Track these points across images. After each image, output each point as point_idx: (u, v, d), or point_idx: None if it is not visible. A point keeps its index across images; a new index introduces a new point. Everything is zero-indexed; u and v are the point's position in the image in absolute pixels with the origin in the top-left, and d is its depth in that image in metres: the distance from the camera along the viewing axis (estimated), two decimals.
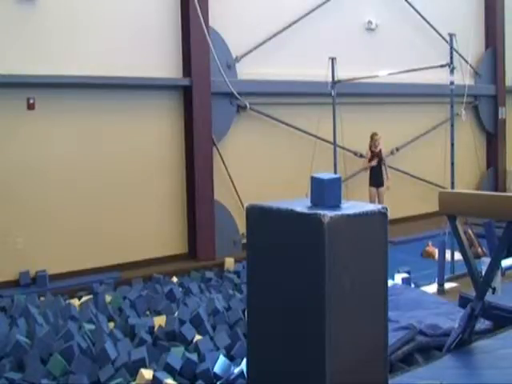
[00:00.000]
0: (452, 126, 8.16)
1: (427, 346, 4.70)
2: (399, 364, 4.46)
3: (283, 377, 2.65)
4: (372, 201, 10.62)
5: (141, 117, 9.26)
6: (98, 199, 8.85)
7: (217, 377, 5.11)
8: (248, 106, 10.18)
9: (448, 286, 7.45)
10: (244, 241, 9.40)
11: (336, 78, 9.97)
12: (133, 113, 9.18)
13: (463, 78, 9.35)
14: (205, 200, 9.61)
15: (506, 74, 14.19)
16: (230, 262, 9.24)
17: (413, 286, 7.21)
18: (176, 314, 6.54)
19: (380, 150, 10.84)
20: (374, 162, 10.71)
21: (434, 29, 12.51)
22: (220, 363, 5.21)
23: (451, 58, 8.08)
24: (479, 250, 8.71)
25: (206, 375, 5.10)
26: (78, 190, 8.70)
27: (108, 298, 7.35)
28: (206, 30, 9.21)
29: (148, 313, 6.91)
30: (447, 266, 7.81)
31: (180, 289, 7.86)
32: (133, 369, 5.14)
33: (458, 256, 7.17)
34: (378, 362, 2.64)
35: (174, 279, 8.48)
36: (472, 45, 11.95)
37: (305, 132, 10.84)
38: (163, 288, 7.79)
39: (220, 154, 9.96)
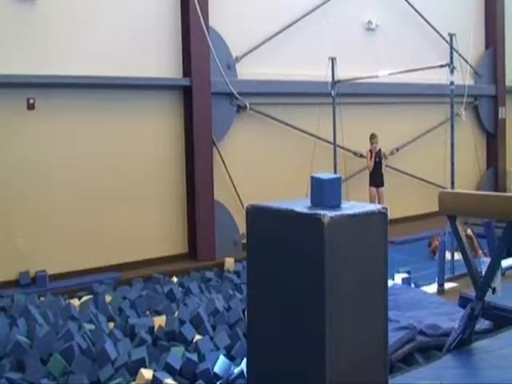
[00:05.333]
0: (452, 126, 8.16)
1: (427, 346, 4.71)
2: (399, 364, 4.46)
3: (283, 377, 2.65)
4: (372, 201, 10.62)
5: (141, 117, 9.26)
6: (97, 199, 8.84)
7: (217, 377, 5.11)
8: (248, 106, 10.18)
9: (448, 285, 7.45)
10: (244, 241, 9.40)
11: (336, 78, 9.97)
12: (133, 113, 9.18)
13: (463, 78, 9.35)
14: (205, 200, 9.61)
15: (506, 74, 14.19)
16: (229, 262, 9.24)
17: (413, 286, 7.22)
18: (176, 314, 6.54)
19: (380, 150, 10.85)
20: (372, 162, 10.74)
21: (434, 29, 12.51)
22: (220, 363, 5.21)
23: (451, 58, 8.09)
24: (479, 252, 8.68)
25: (206, 375, 5.10)
26: (78, 190, 8.69)
27: (108, 298, 7.34)
28: (206, 30, 9.21)
29: (148, 313, 6.90)
30: (447, 266, 7.81)
31: (180, 289, 7.85)
32: (133, 369, 5.14)
33: (457, 256, 7.18)
34: (378, 362, 2.64)
35: (174, 279, 8.47)
36: (472, 45, 11.95)
37: (305, 132, 10.84)
38: (163, 288, 7.79)
39: (220, 154, 9.96)
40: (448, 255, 8.03)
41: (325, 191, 2.62)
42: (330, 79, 9.94)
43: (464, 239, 4.60)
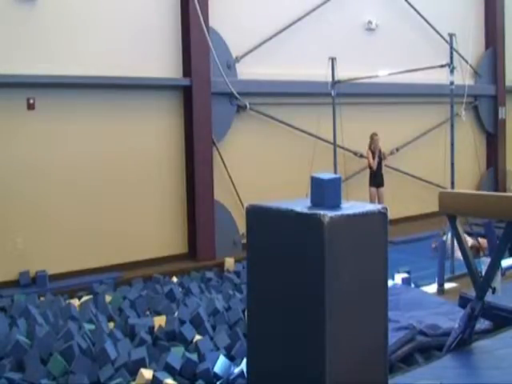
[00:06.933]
0: (452, 126, 8.16)
1: (427, 346, 4.71)
2: (399, 364, 4.46)
3: (283, 377, 2.65)
4: (372, 201, 10.62)
5: (141, 117, 9.26)
6: (98, 199, 8.85)
7: (217, 377, 5.11)
8: (248, 106, 10.18)
9: (448, 286, 7.46)
10: (244, 241, 9.40)
11: (336, 78, 9.98)
12: (133, 113, 9.18)
13: (463, 78, 9.36)
14: (205, 200, 9.61)
15: (506, 74, 14.19)
16: (229, 262, 9.24)
17: (413, 285, 7.22)
18: (176, 314, 6.54)
19: (380, 150, 10.84)
20: (375, 163, 10.72)
21: (434, 29, 12.51)
22: (220, 363, 5.21)
23: (451, 58, 8.09)
24: (484, 247, 8.65)
25: (206, 375, 5.10)
26: (78, 189, 8.69)
27: (108, 298, 7.34)
28: (206, 30, 9.21)
29: (148, 313, 6.90)
30: (447, 265, 7.81)
31: (180, 289, 7.85)
32: (133, 369, 5.14)
33: (457, 256, 7.18)
34: (378, 362, 2.64)
35: (174, 279, 8.47)
36: (472, 45, 11.95)
37: (305, 132, 10.84)
38: (163, 288, 7.79)
39: (220, 154, 9.96)
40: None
41: (325, 191, 2.62)
42: (330, 79, 9.95)
43: (464, 239, 4.60)
